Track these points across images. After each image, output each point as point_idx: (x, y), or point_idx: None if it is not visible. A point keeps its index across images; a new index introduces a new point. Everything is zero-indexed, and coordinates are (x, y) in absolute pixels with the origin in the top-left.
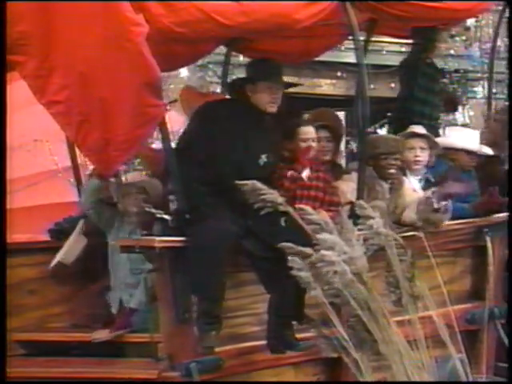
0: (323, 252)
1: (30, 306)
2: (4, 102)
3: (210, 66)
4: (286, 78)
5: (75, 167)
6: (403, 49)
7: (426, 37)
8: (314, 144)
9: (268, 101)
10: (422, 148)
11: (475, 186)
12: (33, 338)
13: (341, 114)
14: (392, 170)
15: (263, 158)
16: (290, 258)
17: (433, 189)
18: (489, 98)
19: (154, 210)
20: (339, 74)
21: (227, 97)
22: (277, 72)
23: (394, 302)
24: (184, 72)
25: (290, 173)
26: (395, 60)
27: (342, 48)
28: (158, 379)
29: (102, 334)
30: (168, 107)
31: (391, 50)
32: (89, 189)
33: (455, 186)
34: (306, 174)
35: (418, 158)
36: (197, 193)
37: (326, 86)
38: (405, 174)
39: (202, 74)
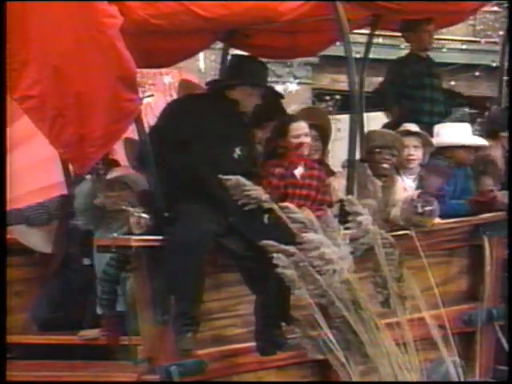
0: (324, 250)
1: (16, 308)
2: (4, 103)
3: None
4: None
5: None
6: (464, 46)
7: (410, 30)
8: (306, 139)
9: (246, 105)
10: (415, 146)
11: (451, 172)
12: (17, 340)
13: None
14: (386, 165)
15: (237, 152)
16: (275, 255)
17: (419, 191)
18: (500, 92)
19: (131, 209)
20: None
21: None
22: (256, 74)
23: (381, 302)
24: (201, 64)
25: (277, 170)
26: (456, 57)
27: None
28: (138, 382)
29: (89, 333)
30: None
31: (452, 47)
32: (80, 192)
33: (436, 180)
34: (299, 172)
35: (411, 157)
36: (174, 190)
37: None
38: (398, 173)
39: None
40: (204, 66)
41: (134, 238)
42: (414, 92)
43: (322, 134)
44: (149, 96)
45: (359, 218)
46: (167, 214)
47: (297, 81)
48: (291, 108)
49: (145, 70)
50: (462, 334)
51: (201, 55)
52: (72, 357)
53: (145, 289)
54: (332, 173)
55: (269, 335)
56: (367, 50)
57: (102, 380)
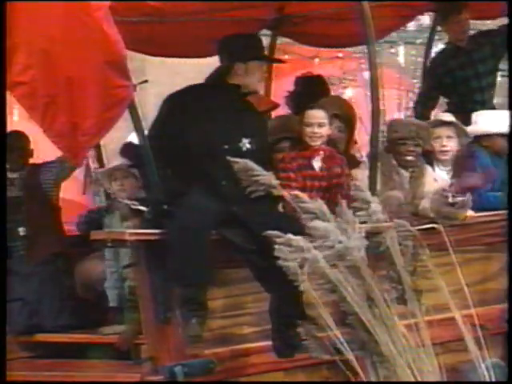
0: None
1: None
2: (4, 102)
3: None
4: None
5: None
6: None
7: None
8: (321, 130)
9: (259, 79)
10: (448, 137)
11: (497, 174)
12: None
13: None
14: (410, 157)
15: (246, 144)
16: (276, 246)
17: (450, 181)
18: None
19: (128, 201)
20: None
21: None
22: (263, 48)
23: (396, 298)
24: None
25: (294, 163)
26: None
27: None
28: (141, 382)
29: (111, 330)
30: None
31: None
32: None
33: (473, 178)
34: (318, 163)
35: (444, 148)
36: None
37: None
38: (431, 165)
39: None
40: (404, 60)
41: (129, 231)
42: (458, 87)
43: (347, 124)
44: (143, 82)
45: (369, 208)
46: (166, 207)
47: (500, 73)
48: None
49: (345, 67)
50: (504, 335)
51: (401, 50)
52: (74, 356)
53: (145, 285)
54: (358, 164)
55: (284, 336)
56: (431, 38)
57: (104, 380)
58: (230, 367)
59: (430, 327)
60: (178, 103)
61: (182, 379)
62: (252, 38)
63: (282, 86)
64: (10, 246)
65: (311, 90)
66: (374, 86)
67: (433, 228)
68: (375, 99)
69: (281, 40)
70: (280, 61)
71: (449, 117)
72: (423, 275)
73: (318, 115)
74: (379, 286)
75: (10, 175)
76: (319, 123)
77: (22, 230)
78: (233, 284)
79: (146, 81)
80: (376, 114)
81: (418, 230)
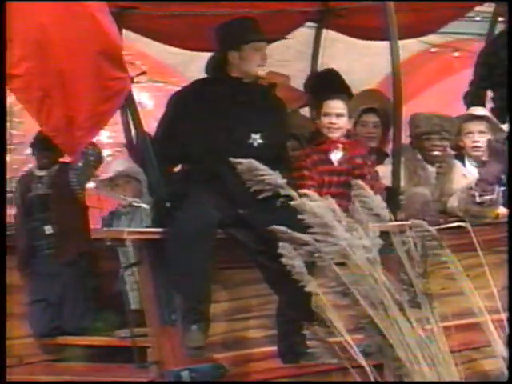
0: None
1: None
2: (4, 102)
3: None
4: None
5: None
6: None
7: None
8: (339, 121)
9: (258, 63)
10: (480, 132)
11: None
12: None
13: None
14: (436, 152)
15: (257, 138)
16: (280, 244)
17: (477, 179)
18: None
19: (130, 199)
20: None
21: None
22: (259, 29)
23: (409, 301)
24: None
25: (308, 160)
26: None
27: None
28: None
29: (126, 333)
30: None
31: None
32: None
33: (495, 166)
34: (336, 156)
35: (476, 144)
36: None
37: None
38: (463, 161)
39: None
40: None
41: (127, 230)
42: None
43: (383, 119)
44: (141, 74)
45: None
46: (169, 204)
47: None
48: None
49: None
50: None
51: None
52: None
53: (149, 286)
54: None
55: (291, 341)
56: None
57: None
58: (236, 373)
59: (460, 332)
60: (182, 103)
61: None
62: (239, 22)
63: (454, 83)
64: (35, 246)
65: (329, 84)
66: (397, 81)
67: (461, 227)
68: (397, 95)
69: (451, 37)
70: (276, 39)
71: (481, 111)
72: (450, 277)
73: (336, 105)
74: (392, 288)
75: (38, 173)
76: (337, 114)
77: (47, 229)
78: (239, 286)
79: (144, 72)
80: (398, 108)
81: (446, 228)
